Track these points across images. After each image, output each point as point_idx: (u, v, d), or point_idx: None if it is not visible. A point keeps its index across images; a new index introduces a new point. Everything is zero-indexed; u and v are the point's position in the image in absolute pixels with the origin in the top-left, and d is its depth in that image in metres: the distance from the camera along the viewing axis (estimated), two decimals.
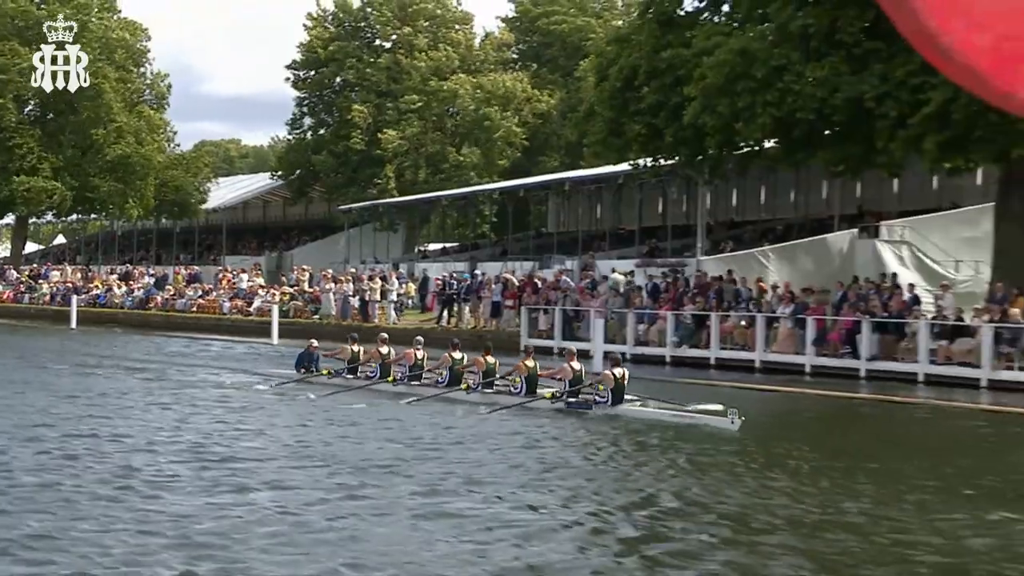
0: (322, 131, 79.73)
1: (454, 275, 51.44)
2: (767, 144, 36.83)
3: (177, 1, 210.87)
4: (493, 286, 47.25)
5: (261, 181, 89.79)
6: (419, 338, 29.37)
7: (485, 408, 24.47)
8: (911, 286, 35.58)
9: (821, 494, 15.97)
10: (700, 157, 38.38)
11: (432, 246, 71.76)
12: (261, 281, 61.69)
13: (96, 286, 68.75)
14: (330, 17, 79.82)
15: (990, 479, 17.71)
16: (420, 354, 27.64)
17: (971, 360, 30.36)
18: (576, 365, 24.69)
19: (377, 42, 79.07)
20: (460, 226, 74.10)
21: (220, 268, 68.46)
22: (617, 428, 22.19)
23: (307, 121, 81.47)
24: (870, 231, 41.74)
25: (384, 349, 28.34)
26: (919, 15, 2.24)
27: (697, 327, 37.26)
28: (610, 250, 52.82)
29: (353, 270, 57.51)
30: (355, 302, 51.06)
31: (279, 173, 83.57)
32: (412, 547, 12.40)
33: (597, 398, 23.60)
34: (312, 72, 79.92)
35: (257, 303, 56.08)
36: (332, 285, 53.32)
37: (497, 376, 26.08)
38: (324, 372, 29.46)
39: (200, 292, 61.95)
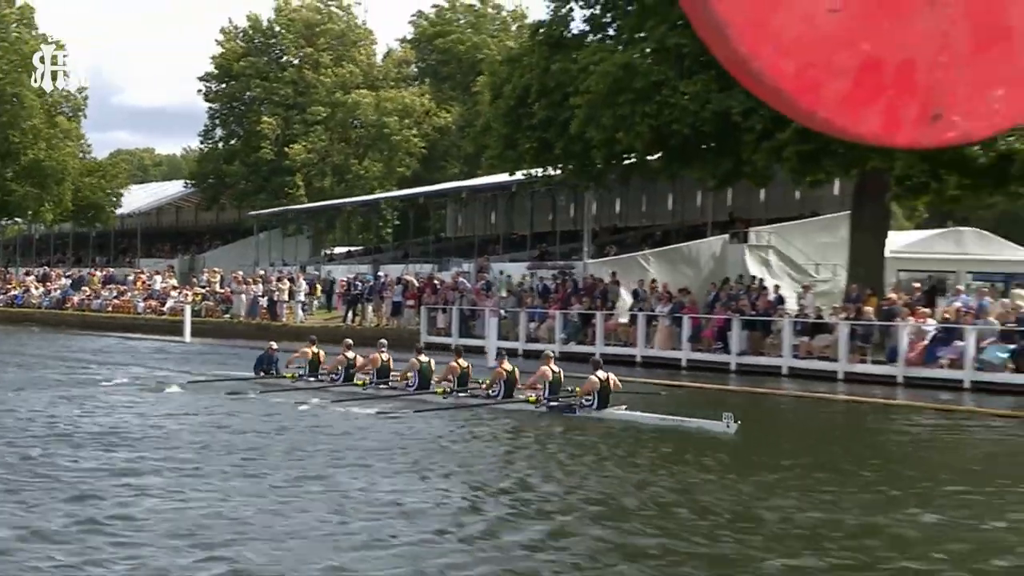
0: (233, 141, 78.66)
1: (358, 277, 51.45)
2: (648, 157, 37.16)
3: (94, 15, 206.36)
4: (395, 287, 47.36)
5: (175, 188, 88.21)
6: (383, 341, 27.43)
7: (485, 413, 22.77)
8: (776, 287, 36.34)
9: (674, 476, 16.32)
10: (586, 168, 38.68)
11: (338, 250, 71.04)
12: (174, 282, 60.72)
13: (14, 287, 67.29)
14: (241, 34, 78.76)
15: (845, 463, 17.86)
16: (385, 357, 25.95)
17: (829, 354, 31.10)
18: (555, 368, 23.04)
19: (285, 58, 78.20)
20: (364, 231, 73.55)
21: (135, 270, 67.50)
22: (599, 432, 20.55)
23: (219, 132, 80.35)
24: (740, 237, 42.40)
25: (350, 353, 26.51)
26: (732, 42, 2.27)
27: (583, 325, 37.79)
28: (503, 254, 52.63)
29: (262, 272, 57.03)
30: (264, 302, 50.82)
31: (192, 181, 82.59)
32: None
33: (583, 401, 22.09)
34: (223, 85, 78.76)
35: (170, 303, 55.34)
36: (242, 286, 52.92)
37: (471, 380, 24.57)
38: (288, 376, 27.13)
39: (116, 293, 60.81)
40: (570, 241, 50.39)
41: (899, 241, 40.36)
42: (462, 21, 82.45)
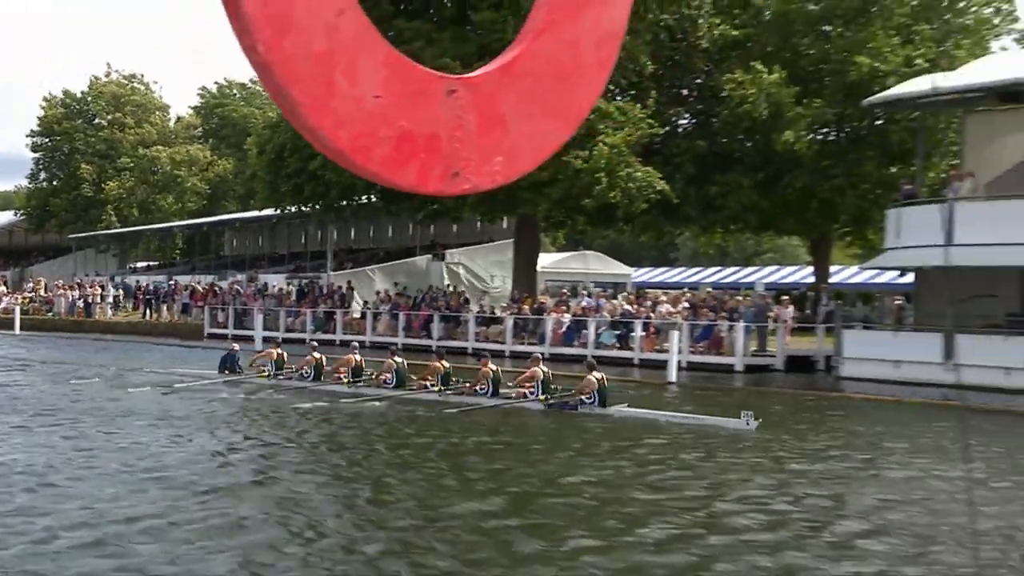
0: (55, 182, 75.09)
1: (155, 284, 49.62)
2: (372, 198, 37.11)
3: None
4: (184, 292, 45.98)
5: (6, 217, 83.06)
6: (355, 344, 23.01)
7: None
8: (464, 292, 36.91)
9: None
10: (329, 206, 38.10)
11: (140, 264, 68.18)
12: (5, 289, 56.90)
13: None
14: (60, 102, 75.29)
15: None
16: (358, 358, 21.44)
17: (500, 339, 31.65)
18: (544, 368, 18.87)
19: (97, 120, 74.97)
20: (160, 250, 71.23)
21: None
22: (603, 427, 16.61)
23: (43, 175, 76.44)
24: (439, 256, 42.96)
25: (316, 355, 21.91)
26: (302, 118, 2.17)
27: (327, 319, 37.41)
28: (268, 268, 51.67)
29: (79, 280, 54.23)
30: (80, 303, 48.35)
31: (22, 211, 78.40)
32: None
33: (583, 399, 17.83)
34: (47, 140, 75.18)
35: (3, 304, 51.85)
36: (62, 291, 50.30)
37: (455, 379, 20.17)
38: (263, 374, 22.24)
39: None
40: (317, 259, 49.60)
41: (546, 260, 41.69)
42: (237, 96, 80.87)
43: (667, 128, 33.43)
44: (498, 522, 9.56)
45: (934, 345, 22.22)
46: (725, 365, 25.92)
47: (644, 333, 28.11)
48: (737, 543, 8.89)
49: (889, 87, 26.71)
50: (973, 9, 31.83)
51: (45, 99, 75.36)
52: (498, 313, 32.96)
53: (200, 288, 45.72)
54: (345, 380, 20.99)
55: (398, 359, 20.89)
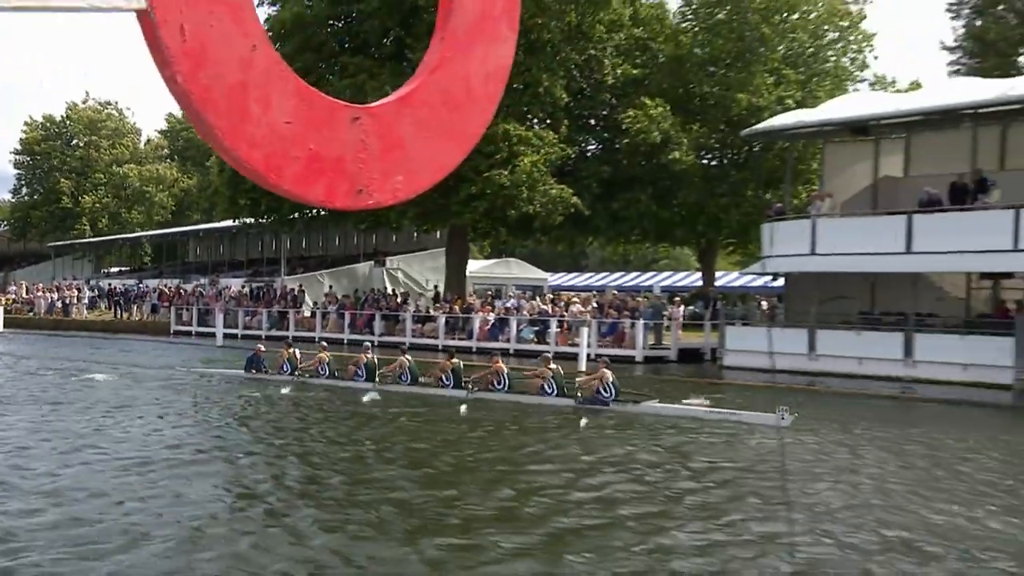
0: (36, 196, 73.22)
1: (126, 286, 48.36)
2: (321, 211, 36.51)
3: None
4: (152, 294, 44.88)
5: None
6: (367, 344, 21.15)
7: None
8: (403, 294, 36.62)
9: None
10: (283, 218, 37.49)
11: (113, 269, 66.38)
12: None
13: None
14: (40, 125, 73.33)
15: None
16: (370, 356, 19.34)
17: (434, 335, 31.46)
18: (553, 366, 16.84)
19: (75, 141, 73.13)
20: (131, 257, 69.48)
21: None
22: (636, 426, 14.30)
23: (25, 190, 74.41)
24: (380, 263, 42.71)
25: (325, 356, 20.25)
26: (219, 140, 2.17)
27: (281, 318, 36.85)
28: (228, 273, 50.80)
29: (58, 284, 52.49)
30: (59, 303, 46.81)
31: (5, 222, 76.20)
32: None
33: (602, 393, 15.57)
34: (28, 159, 73.32)
35: None
36: (42, 294, 48.64)
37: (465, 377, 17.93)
38: (299, 373, 20.08)
39: None
40: (272, 265, 48.97)
41: (474, 266, 41.63)
42: None
43: (577, 152, 33.72)
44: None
45: (801, 339, 22.78)
46: (627, 356, 26.14)
47: (558, 329, 28.30)
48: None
49: (764, 120, 27.35)
50: (833, 58, 32.78)
51: (26, 123, 73.95)
52: (432, 312, 32.77)
53: (167, 291, 44.79)
54: (390, 379, 18.54)
55: (409, 357, 18.78)
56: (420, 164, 2.58)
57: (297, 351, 21.35)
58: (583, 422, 14.51)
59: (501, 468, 10.92)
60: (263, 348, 22.33)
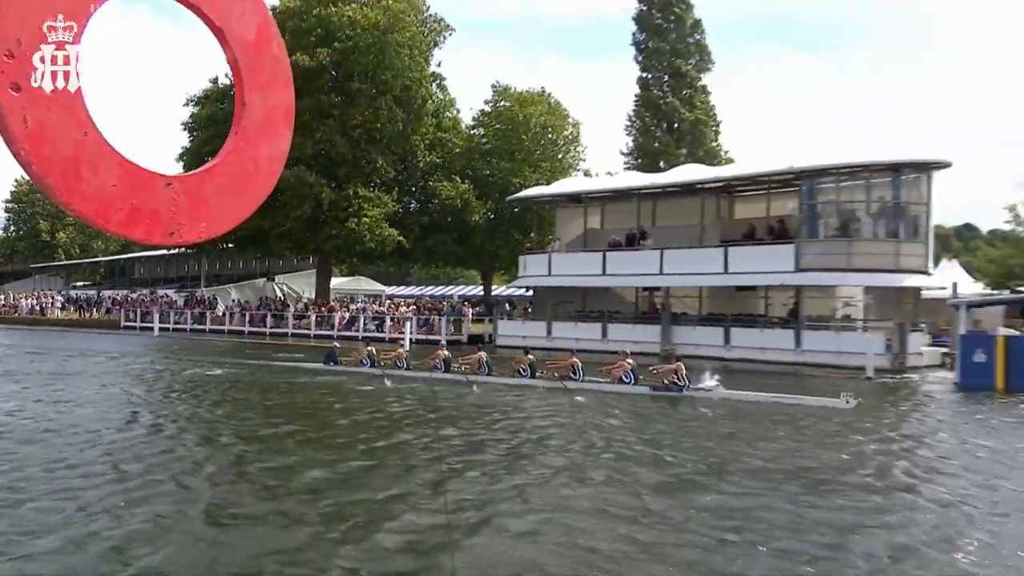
0: (21, 232, 64.34)
1: (88, 295, 43.27)
2: (230, 245, 33.48)
3: None
4: (107, 300, 40.13)
5: None
6: (443, 342, 17.37)
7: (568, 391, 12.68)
8: (286, 300, 34.67)
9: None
10: (203, 248, 33.83)
11: (79, 283, 57.99)
12: None
13: None
14: (26, 181, 62.98)
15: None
16: (446, 353, 15.26)
17: (308, 328, 29.13)
18: (630, 361, 12.99)
19: None
20: (92, 274, 61.15)
21: None
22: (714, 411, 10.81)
23: (12, 228, 65.35)
24: (271, 278, 40.22)
25: (402, 351, 16.36)
26: (54, 193, 1.98)
27: (200, 317, 33.51)
28: (164, 285, 45.80)
29: (36, 293, 45.98)
30: (37, 307, 41.59)
31: None
32: None
33: (676, 381, 12.04)
34: (16, 206, 64.33)
35: None
36: (23, 299, 42.92)
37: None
38: (384, 368, 15.26)
39: None
40: (195, 280, 44.72)
41: (335, 281, 39.76)
42: None
43: (403, 208, 33.45)
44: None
45: (542, 327, 23.74)
46: (435, 340, 25.98)
47: (391, 322, 27.78)
48: None
49: (523, 189, 28.42)
50: (562, 156, 34.62)
51: (15, 180, 65.11)
52: (308, 312, 31.19)
53: (118, 298, 40.34)
54: (467, 371, 14.41)
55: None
56: (220, 214, 2.46)
57: (374, 348, 16.66)
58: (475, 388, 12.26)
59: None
60: (338, 345, 18.02)
